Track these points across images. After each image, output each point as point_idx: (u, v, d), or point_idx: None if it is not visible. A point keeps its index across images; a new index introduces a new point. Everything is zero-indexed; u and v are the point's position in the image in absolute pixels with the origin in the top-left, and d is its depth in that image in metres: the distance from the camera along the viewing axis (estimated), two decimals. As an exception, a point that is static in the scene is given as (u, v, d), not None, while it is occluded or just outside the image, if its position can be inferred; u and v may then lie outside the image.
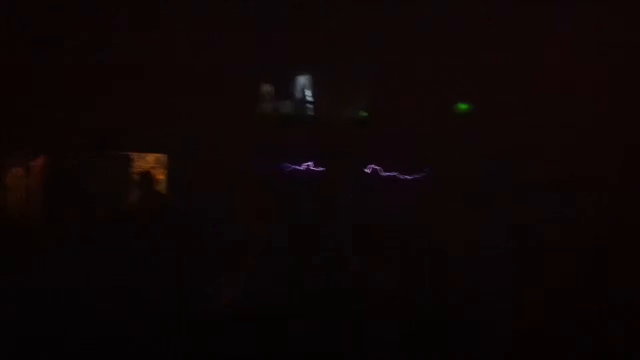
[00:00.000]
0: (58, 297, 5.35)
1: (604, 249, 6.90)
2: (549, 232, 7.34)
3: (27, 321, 4.82)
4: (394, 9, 9.04)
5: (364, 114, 9.88)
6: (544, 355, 5.17)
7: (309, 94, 9.96)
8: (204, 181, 8.29)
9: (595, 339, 5.28)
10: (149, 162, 9.56)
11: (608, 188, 8.08)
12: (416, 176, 8.83)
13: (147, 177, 8.38)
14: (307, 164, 8.97)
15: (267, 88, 9.69)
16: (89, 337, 4.95)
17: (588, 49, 8.63)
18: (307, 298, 5.79)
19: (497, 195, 8.16)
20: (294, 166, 8.95)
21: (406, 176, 8.86)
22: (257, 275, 6.02)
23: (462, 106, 10.06)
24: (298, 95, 10.01)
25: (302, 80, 10.03)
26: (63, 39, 8.38)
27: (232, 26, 8.84)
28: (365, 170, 9.11)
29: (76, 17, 8.41)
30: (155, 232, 6.64)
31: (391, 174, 8.91)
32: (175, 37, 8.70)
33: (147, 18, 8.61)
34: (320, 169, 9.02)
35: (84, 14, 8.43)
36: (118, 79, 8.45)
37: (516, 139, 8.86)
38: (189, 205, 7.77)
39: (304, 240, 6.78)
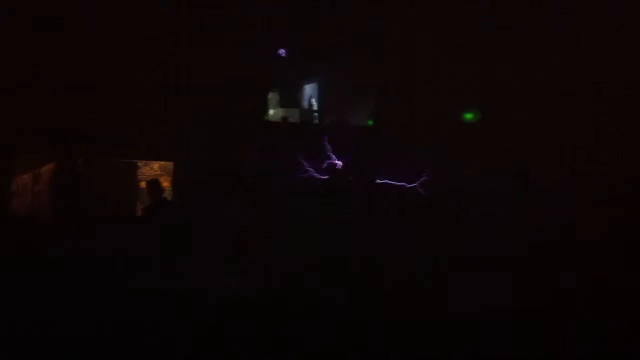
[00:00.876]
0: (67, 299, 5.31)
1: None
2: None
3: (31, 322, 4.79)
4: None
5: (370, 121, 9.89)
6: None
7: (314, 103, 9.98)
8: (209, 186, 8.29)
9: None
10: (154, 169, 9.61)
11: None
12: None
13: (154, 185, 8.36)
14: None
15: (274, 96, 9.72)
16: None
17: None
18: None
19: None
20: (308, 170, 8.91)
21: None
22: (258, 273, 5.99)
23: (469, 115, 10.08)
24: (305, 103, 10.04)
25: (309, 89, 10.06)
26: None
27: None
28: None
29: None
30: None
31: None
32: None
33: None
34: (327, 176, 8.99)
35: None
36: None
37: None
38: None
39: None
